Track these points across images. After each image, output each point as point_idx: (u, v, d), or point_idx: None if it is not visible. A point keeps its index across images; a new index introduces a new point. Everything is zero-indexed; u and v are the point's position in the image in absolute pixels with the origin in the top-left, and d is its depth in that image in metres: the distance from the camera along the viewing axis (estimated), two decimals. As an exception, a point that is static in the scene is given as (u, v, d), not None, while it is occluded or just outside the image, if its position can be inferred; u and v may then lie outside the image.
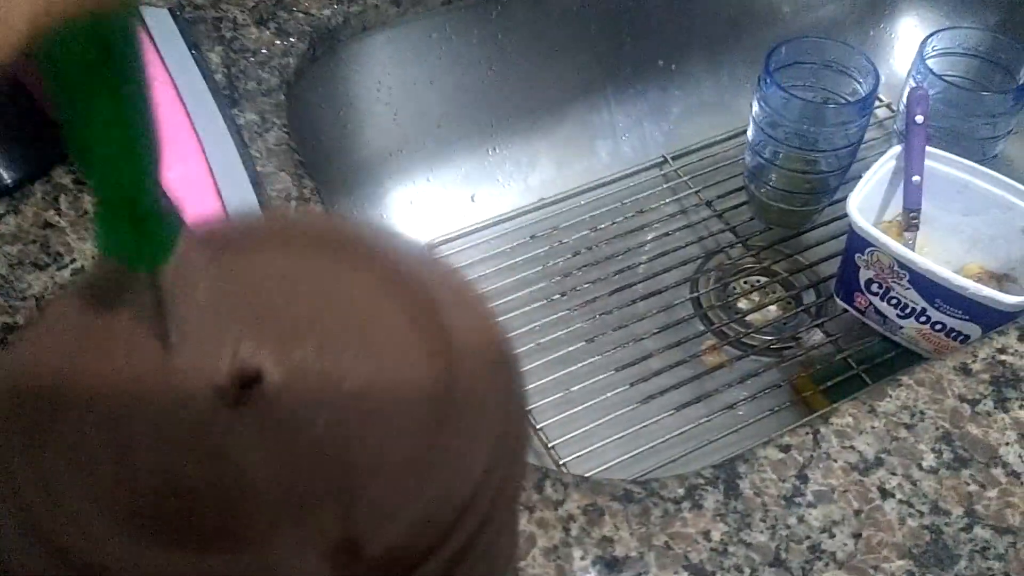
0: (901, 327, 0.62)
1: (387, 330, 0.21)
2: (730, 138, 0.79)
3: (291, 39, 0.59)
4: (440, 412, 0.19)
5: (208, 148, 0.51)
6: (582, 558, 0.39)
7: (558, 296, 0.70)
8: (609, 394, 0.64)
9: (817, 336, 0.70)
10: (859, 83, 0.68)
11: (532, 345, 0.67)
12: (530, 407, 0.63)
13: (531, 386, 0.64)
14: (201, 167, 0.50)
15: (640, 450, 0.61)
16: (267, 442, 0.19)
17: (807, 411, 0.64)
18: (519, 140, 0.75)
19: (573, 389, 0.64)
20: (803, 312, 0.71)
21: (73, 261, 0.48)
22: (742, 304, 0.71)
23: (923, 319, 0.61)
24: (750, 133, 0.69)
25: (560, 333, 0.68)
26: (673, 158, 0.78)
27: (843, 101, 0.69)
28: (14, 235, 0.49)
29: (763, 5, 0.78)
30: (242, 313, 0.21)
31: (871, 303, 0.64)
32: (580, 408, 0.63)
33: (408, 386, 0.20)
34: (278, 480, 0.19)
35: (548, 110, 0.76)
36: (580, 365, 0.65)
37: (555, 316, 0.69)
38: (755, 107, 0.68)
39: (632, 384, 0.65)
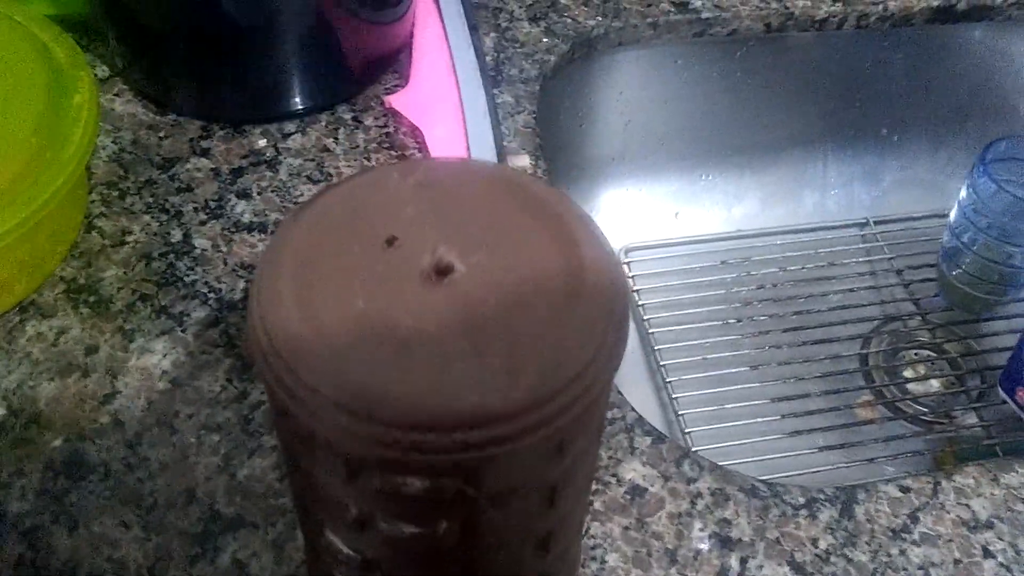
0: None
1: (541, 252, 0.29)
2: (933, 216, 0.82)
3: (556, 39, 0.67)
4: (569, 307, 0.27)
5: (468, 116, 0.59)
6: (701, 529, 0.45)
7: (734, 321, 0.75)
8: (759, 419, 0.69)
9: (971, 419, 0.72)
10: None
11: (698, 358, 0.72)
12: (680, 410, 0.69)
13: (687, 393, 0.70)
14: (459, 131, 0.59)
15: (769, 476, 0.65)
16: (453, 312, 0.27)
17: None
18: (731, 172, 0.81)
19: (726, 406, 0.70)
20: (963, 393, 0.73)
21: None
22: (906, 372, 0.75)
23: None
24: (953, 215, 0.73)
25: (727, 354, 0.73)
26: (875, 222, 0.82)
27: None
28: (298, 151, 0.59)
29: (994, 99, 0.80)
30: (439, 226, 0.29)
31: (1031, 399, 0.66)
32: (728, 424, 0.68)
33: (549, 287, 0.28)
34: (460, 336, 0.27)
35: (765, 151, 0.81)
36: (739, 387, 0.71)
37: (726, 338, 0.74)
38: (963, 192, 0.71)
39: (783, 416, 0.70)
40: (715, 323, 0.75)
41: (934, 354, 0.76)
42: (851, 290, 0.78)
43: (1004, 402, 0.69)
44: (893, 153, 0.83)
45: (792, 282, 0.78)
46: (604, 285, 0.28)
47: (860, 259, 0.80)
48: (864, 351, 0.75)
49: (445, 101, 0.60)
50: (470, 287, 0.28)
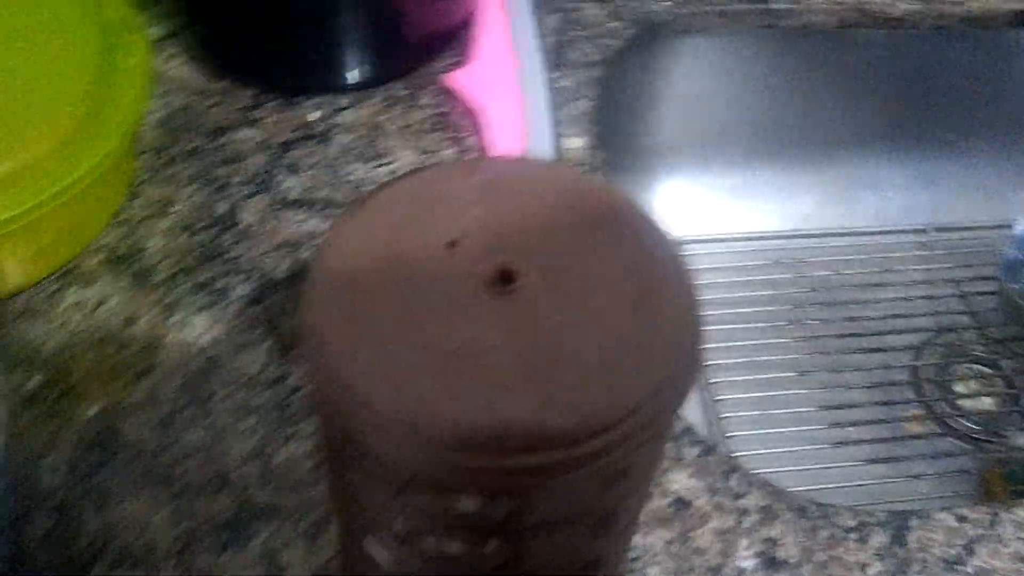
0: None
1: (610, 266, 0.27)
2: (996, 227, 0.79)
3: (621, 23, 0.65)
4: (638, 330, 0.26)
5: (526, 100, 0.58)
6: (746, 548, 0.44)
7: (783, 323, 0.73)
8: (803, 427, 0.67)
9: (1022, 440, 0.70)
10: None
11: (744, 359, 0.70)
12: (722, 413, 0.67)
13: (730, 395, 0.68)
14: (516, 114, 0.57)
15: (810, 486, 0.63)
16: (515, 326, 0.26)
17: (990, 505, 0.65)
18: (790, 169, 0.78)
19: (770, 410, 0.68)
20: (1017, 413, 0.71)
21: (391, 162, 0.56)
22: (958, 387, 0.72)
23: None
24: (1018, 228, 0.70)
25: (774, 357, 0.71)
26: (935, 230, 0.79)
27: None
28: (349, 126, 0.57)
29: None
30: (504, 230, 0.28)
31: (1089, 425, 0.64)
32: (771, 429, 0.66)
33: (618, 306, 0.26)
34: (521, 353, 0.25)
35: (825, 149, 0.78)
36: (784, 392, 0.69)
37: (774, 341, 0.72)
38: (1032, 204, 0.69)
39: (828, 425, 0.68)
40: (763, 324, 0.73)
41: (988, 370, 0.73)
42: (905, 298, 0.76)
43: (1059, 425, 0.67)
44: (957, 159, 0.80)
45: (845, 286, 0.76)
46: (677, 310, 0.26)
47: (916, 267, 0.78)
48: (915, 362, 0.73)
49: (503, 83, 0.59)
50: (533, 299, 0.26)
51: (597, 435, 0.24)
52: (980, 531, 0.45)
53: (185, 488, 0.44)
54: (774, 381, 0.69)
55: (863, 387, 0.70)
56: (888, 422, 0.69)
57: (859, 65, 0.74)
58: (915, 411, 0.71)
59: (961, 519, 0.45)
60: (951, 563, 0.44)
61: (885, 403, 0.70)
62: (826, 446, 0.66)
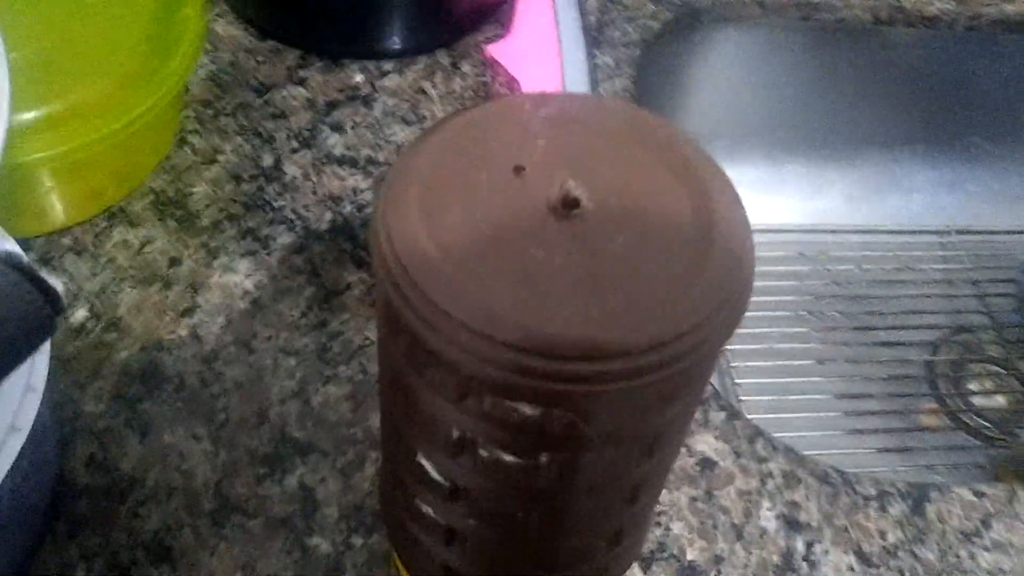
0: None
1: (671, 198, 0.28)
2: (1017, 232, 0.80)
3: (661, 6, 0.66)
4: (698, 256, 0.27)
5: (567, 73, 0.59)
6: (769, 509, 0.45)
7: (804, 313, 0.74)
8: (820, 414, 0.68)
9: (1036, 439, 0.71)
10: None
11: (764, 347, 0.72)
12: (740, 396, 0.68)
13: (749, 380, 0.69)
14: (557, 85, 0.58)
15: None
16: (579, 245, 0.27)
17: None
18: (817, 163, 0.79)
19: (788, 397, 0.69)
20: (1030, 412, 0.72)
21: (433, 126, 0.57)
22: (972, 385, 0.73)
23: None
24: (1041, 231, 0.71)
25: (794, 345, 0.72)
26: (957, 232, 0.80)
27: None
28: (394, 91, 0.59)
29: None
30: (568, 160, 0.29)
31: (1102, 426, 0.65)
32: (788, 415, 0.67)
33: (678, 234, 0.27)
34: (584, 270, 0.26)
35: (855, 146, 0.79)
36: (802, 380, 0.70)
37: (795, 330, 0.73)
38: (1056, 208, 0.70)
39: (844, 414, 0.69)
40: (785, 313, 0.74)
41: (1003, 370, 0.74)
42: (926, 296, 0.77)
43: (1072, 426, 0.68)
44: (985, 163, 0.81)
45: (866, 282, 0.77)
46: (735, 242, 0.27)
47: (937, 266, 0.79)
48: (932, 357, 0.74)
49: (545, 56, 0.60)
50: (597, 223, 0.27)
51: (654, 349, 0.25)
52: (998, 507, 0.46)
53: (225, 422, 0.45)
54: (792, 369, 0.71)
55: (879, 379, 0.71)
56: (903, 413, 0.70)
57: (892, 65, 0.75)
58: (931, 405, 0.72)
59: (979, 495, 0.46)
60: (968, 535, 0.45)
61: (900, 395, 0.71)
62: (840, 433, 0.67)
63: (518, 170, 0.28)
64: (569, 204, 0.28)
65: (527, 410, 0.26)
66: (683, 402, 0.29)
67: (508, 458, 0.28)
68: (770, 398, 0.68)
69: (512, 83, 0.59)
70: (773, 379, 0.70)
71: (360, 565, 0.41)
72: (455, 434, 0.28)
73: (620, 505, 0.32)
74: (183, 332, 0.48)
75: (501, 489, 0.30)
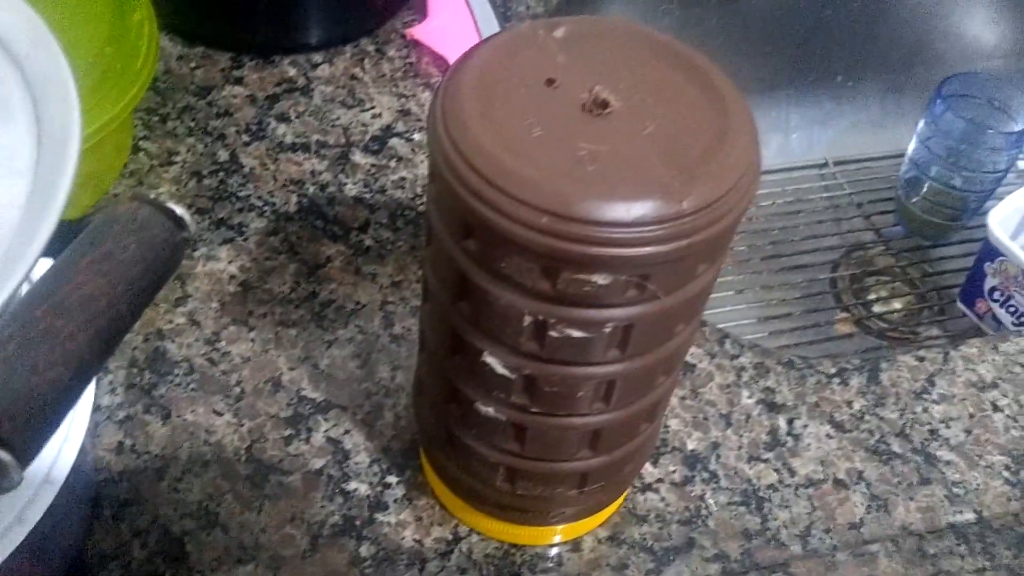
0: (1015, 333, 0.71)
1: (690, 97, 0.33)
2: (886, 157, 0.88)
3: (556, -20, 0.71)
4: (720, 142, 0.31)
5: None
6: (748, 397, 0.50)
7: (716, 250, 0.80)
8: (748, 336, 0.74)
9: (935, 331, 0.79)
10: (1016, 120, 0.77)
11: (686, 286, 0.77)
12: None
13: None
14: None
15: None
16: (619, 136, 0.31)
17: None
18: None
19: (716, 325, 0.74)
20: (926, 309, 0.80)
21: (373, 108, 0.60)
22: (871, 295, 0.81)
23: (1038, 323, 0.70)
24: (911, 147, 0.79)
25: (713, 280, 0.78)
26: (834, 163, 0.88)
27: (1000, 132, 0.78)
28: (327, 79, 0.61)
29: (939, 46, 0.88)
30: (591, 71, 0.33)
31: (990, 308, 0.73)
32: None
33: (701, 125, 0.32)
34: (629, 154, 0.30)
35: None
36: (728, 309, 0.76)
37: (710, 267, 0.79)
38: (921, 124, 0.78)
39: (769, 334, 0.75)
40: (699, 253, 0.80)
41: (895, 279, 0.82)
42: (818, 222, 0.84)
43: (964, 315, 0.76)
44: (848, 98, 0.89)
45: (764, 216, 0.84)
46: (747, 134, 0.32)
47: (823, 195, 0.86)
48: (833, 274, 0.81)
49: (464, 32, 0.64)
50: (627, 118, 0.31)
51: (705, 209, 0.30)
52: (937, 367, 0.52)
53: (241, 394, 0.47)
54: (715, 301, 0.76)
55: (794, 299, 0.78)
56: (820, 326, 0.76)
57: (760, 23, 0.82)
58: (841, 316, 0.79)
59: (920, 359, 0.53)
60: (918, 394, 0.51)
61: (814, 311, 0.77)
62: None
63: (550, 82, 0.32)
64: (601, 104, 0.32)
65: (600, 280, 0.30)
66: (715, 268, 0.33)
67: (577, 334, 0.32)
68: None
69: (438, 59, 0.63)
70: (700, 313, 0.75)
71: (400, 499, 0.44)
72: (526, 321, 0.32)
73: (659, 378, 0.36)
74: (181, 320, 0.49)
75: (565, 370, 0.34)
